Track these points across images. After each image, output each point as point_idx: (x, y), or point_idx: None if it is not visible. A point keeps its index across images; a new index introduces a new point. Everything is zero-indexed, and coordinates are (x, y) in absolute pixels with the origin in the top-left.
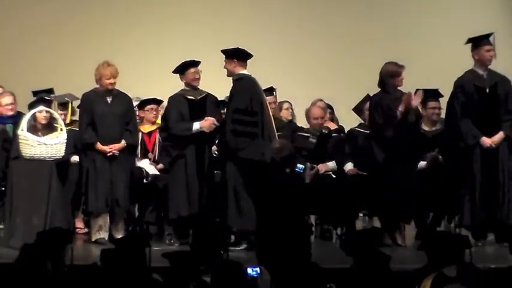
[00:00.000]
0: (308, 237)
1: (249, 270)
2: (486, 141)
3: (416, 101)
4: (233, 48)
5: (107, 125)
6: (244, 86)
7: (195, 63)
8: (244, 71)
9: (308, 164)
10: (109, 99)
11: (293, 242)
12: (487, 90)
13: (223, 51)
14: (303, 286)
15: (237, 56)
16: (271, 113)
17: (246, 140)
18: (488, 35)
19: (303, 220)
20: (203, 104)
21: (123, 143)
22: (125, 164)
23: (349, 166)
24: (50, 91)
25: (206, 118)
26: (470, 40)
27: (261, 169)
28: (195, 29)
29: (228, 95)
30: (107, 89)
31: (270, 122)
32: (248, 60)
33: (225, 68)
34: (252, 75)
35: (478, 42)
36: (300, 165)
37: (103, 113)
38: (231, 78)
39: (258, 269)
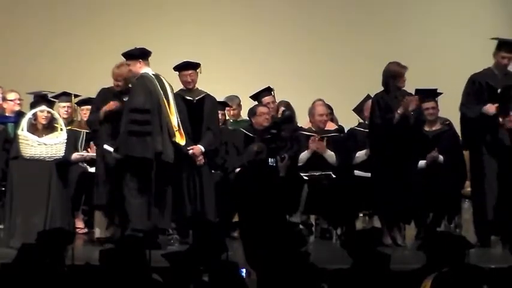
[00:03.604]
0: (293, 233)
1: None
2: (490, 108)
3: (411, 106)
4: (135, 49)
5: None
6: (140, 84)
7: (185, 67)
8: (147, 69)
9: (278, 157)
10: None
11: (278, 240)
12: (498, 91)
13: (125, 54)
14: (294, 286)
15: (142, 56)
16: (170, 110)
17: (138, 139)
18: (508, 43)
19: (285, 218)
20: (201, 105)
21: None
22: None
23: (362, 153)
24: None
25: None
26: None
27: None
28: (195, 28)
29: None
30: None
31: (168, 119)
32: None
33: (129, 69)
34: (154, 74)
35: (499, 46)
36: (271, 159)
37: None
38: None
39: (244, 270)
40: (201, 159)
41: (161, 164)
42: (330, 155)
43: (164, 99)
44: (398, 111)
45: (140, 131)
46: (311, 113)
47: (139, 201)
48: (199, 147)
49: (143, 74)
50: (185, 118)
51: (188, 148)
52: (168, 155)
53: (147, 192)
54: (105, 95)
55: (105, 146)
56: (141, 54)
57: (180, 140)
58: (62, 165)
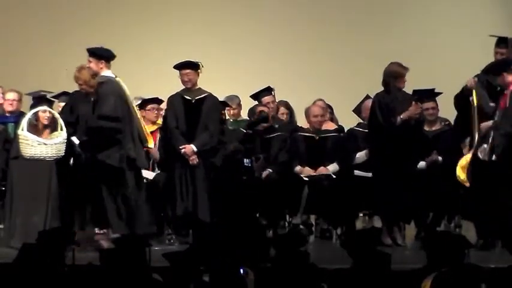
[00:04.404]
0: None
1: None
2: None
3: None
4: (102, 49)
5: None
6: (108, 90)
7: (183, 67)
8: (109, 72)
9: (253, 157)
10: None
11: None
12: (498, 89)
13: (90, 50)
14: (293, 286)
15: (106, 57)
16: (139, 116)
17: (106, 145)
18: (501, 39)
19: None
20: (200, 105)
21: None
22: None
23: (362, 154)
24: (44, 95)
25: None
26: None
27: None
28: (195, 28)
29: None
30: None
31: (138, 125)
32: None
33: (88, 66)
34: (117, 78)
35: (496, 42)
36: (246, 160)
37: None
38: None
39: (241, 270)
40: (193, 159)
41: (134, 170)
42: (333, 169)
43: (132, 105)
44: (402, 117)
45: (110, 139)
46: (307, 113)
47: (116, 206)
48: (191, 147)
49: (110, 78)
50: (181, 117)
51: (180, 147)
52: (142, 161)
53: (122, 198)
54: (76, 97)
55: (73, 138)
56: (107, 56)
57: (150, 143)
58: (62, 165)
